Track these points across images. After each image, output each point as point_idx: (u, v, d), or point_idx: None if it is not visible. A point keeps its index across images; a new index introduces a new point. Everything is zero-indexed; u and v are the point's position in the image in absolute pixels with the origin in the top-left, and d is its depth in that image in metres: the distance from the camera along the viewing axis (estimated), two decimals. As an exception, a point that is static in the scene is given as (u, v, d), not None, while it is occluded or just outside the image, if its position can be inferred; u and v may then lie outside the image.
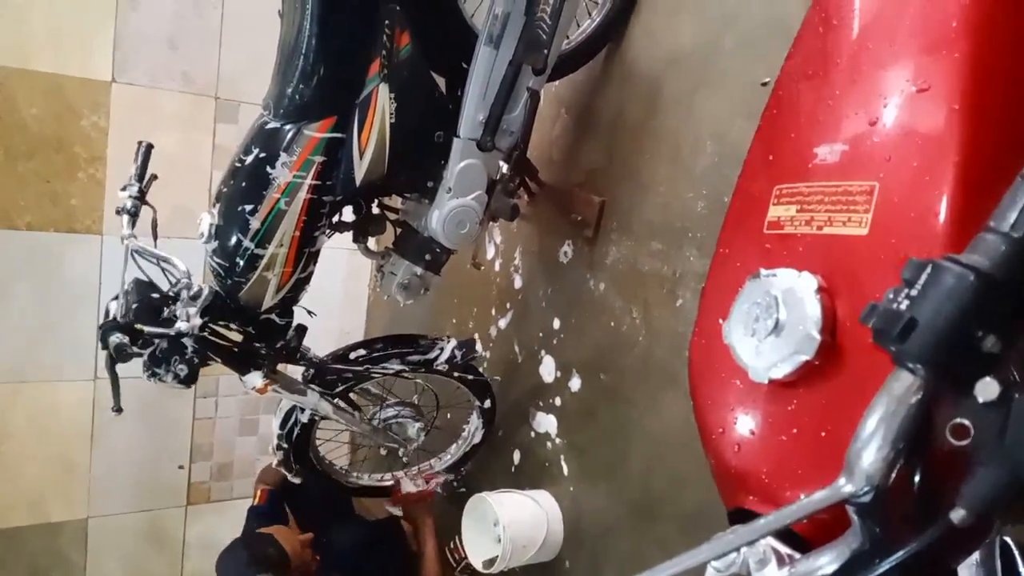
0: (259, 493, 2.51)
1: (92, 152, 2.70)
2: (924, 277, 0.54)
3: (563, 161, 2.32)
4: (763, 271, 0.75)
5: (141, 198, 1.89)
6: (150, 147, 1.93)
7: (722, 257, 0.91)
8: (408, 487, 2.48)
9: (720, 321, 0.80)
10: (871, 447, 0.53)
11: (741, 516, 0.74)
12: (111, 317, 1.74)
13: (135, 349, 1.58)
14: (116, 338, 1.56)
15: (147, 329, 1.64)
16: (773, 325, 0.71)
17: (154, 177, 1.92)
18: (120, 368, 1.71)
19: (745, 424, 0.77)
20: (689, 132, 1.88)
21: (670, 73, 1.95)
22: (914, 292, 0.54)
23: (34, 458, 2.83)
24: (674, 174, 1.91)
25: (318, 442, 2.31)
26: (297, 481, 2.32)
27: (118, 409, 1.65)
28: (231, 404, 3.21)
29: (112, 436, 2.88)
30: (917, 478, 0.56)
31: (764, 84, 1.70)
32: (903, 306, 0.54)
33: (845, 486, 0.54)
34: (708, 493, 1.74)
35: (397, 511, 2.52)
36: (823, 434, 0.70)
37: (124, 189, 1.88)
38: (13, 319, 2.69)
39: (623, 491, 2.03)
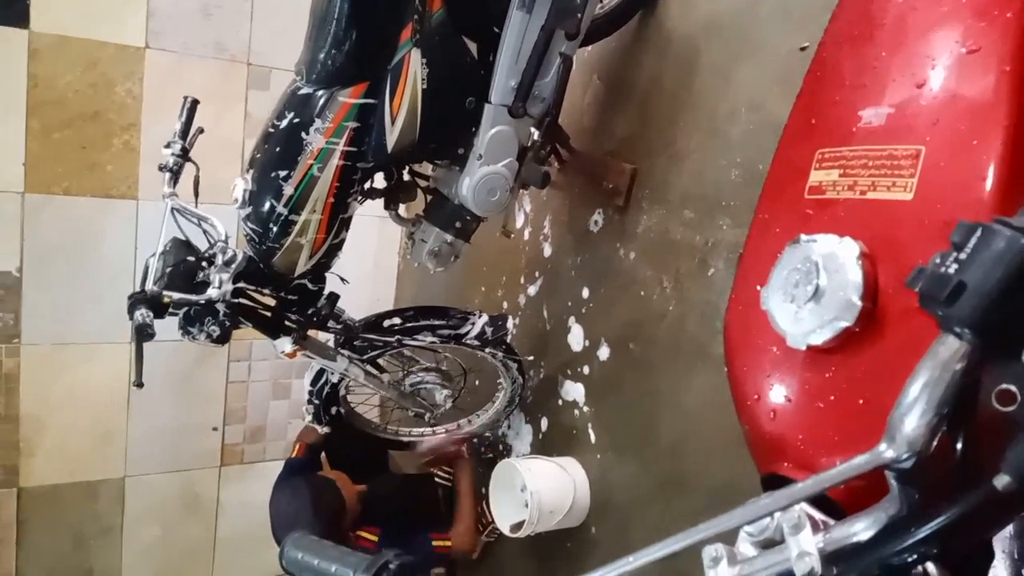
0: (297, 447, 2.56)
1: (126, 119, 2.73)
2: (974, 240, 0.53)
3: (594, 128, 2.30)
4: (803, 236, 0.74)
5: (184, 155, 1.89)
6: (195, 103, 1.92)
7: (761, 223, 0.89)
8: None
9: (758, 287, 0.78)
10: (914, 412, 0.53)
11: (775, 482, 0.73)
12: (147, 276, 1.77)
13: (154, 331, 1.60)
14: (140, 315, 1.58)
15: (176, 297, 1.65)
16: (813, 291, 0.70)
17: (200, 131, 1.92)
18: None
19: (781, 390, 0.76)
20: (725, 99, 1.85)
21: (706, 39, 1.91)
22: (963, 256, 0.53)
23: (73, 419, 2.91)
24: (708, 142, 1.89)
25: (349, 398, 2.35)
26: (326, 431, 2.35)
27: (139, 384, 1.68)
28: (264, 368, 3.26)
29: (148, 399, 2.94)
30: (960, 444, 0.55)
31: (803, 49, 1.66)
32: (951, 270, 0.53)
33: (886, 451, 0.53)
34: (738, 468, 1.75)
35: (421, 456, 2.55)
36: (861, 402, 0.69)
37: (167, 146, 1.88)
38: (52, 284, 2.75)
39: (652, 462, 2.04)
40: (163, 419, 3.05)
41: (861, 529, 0.56)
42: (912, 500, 0.54)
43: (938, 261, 0.54)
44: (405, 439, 2.53)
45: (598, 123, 2.29)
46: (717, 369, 1.85)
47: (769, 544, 0.61)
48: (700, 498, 1.89)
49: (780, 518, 0.61)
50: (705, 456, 1.88)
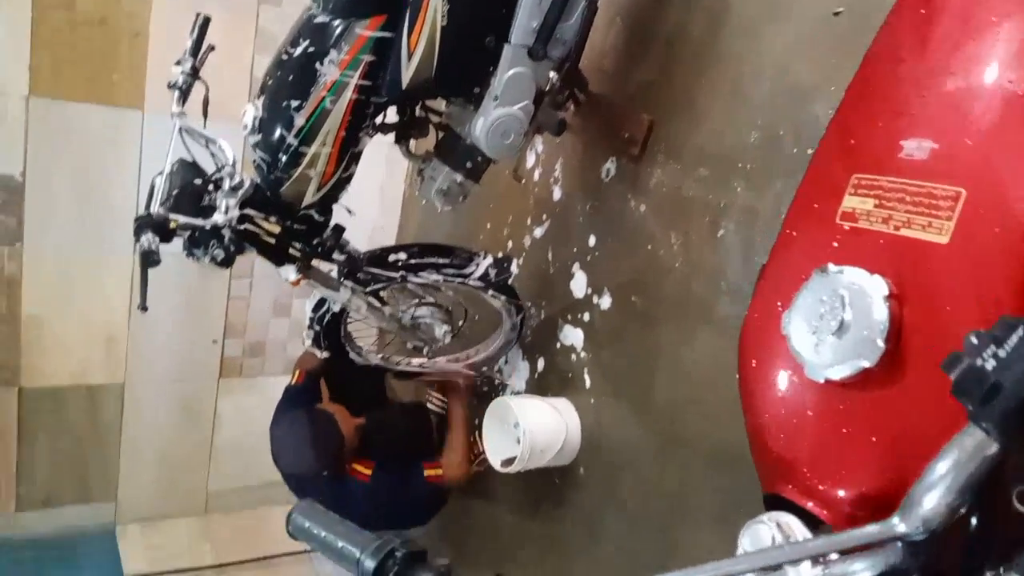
0: (297, 374, 2.60)
1: (135, 26, 2.65)
2: (1015, 340, 0.52)
3: (614, 72, 2.24)
4: (832, 266, 0.73)
5: (194, 74, 1.84)
6: (207, 20, 1.85)
7: (788, 239, 0.87)
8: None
9: (778, 305, 0.78)
10: (935, 492, 0.53)
11: (777, 503, 0.74)
12: (153, 197, 1.75)
13: (159, 257, 1.59)
14: (146, 240, 1.57)
15: (181, 220, 1.65)
16: (837, 325, 0.69)
17: (211, 48, 1.86)
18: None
19: (793, 414, 0.77)
20: (751, 58, 1.80)
21: (739, -8, 1.84)
22: (1002, 353, 0.52)
23: (75, 324, 2.93)
24: (730, 101, 1.84)
25: (349, 326, 2.37)
26: (325, 355, 2.38)
27: (144, 307, 1.69)
28: (266, 286, 3.26)
29: (150, 309, 2.95)
30: (974, 528, 0.56)
31: (836, 14, 1.61)
32: (988, 365, 0.52)
33: (899, 526, 0.54)
34: (733, 431, 1.75)
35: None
36: (873, 439, 0.69)
37: (178, 63, 1.83)
38: (56, 190, 2.72)
39: (646, 413, 2.07)
40: (164, 329, 3.07)
41: (860, 570, 0.57)
42: (916, 560, 0.55)
43: (975, 343, 0.53)
44: (404, 368, 2.56)
45: (618, 67, 2.23)
46: (719, 331, 1.86)
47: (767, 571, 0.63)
48: (691, 454, 1.93)
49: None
50: (700, 415, 1.91)
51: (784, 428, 0.77)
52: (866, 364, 0.68)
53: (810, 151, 1.61)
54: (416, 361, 2.55)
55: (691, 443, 1.94)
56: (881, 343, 0.68)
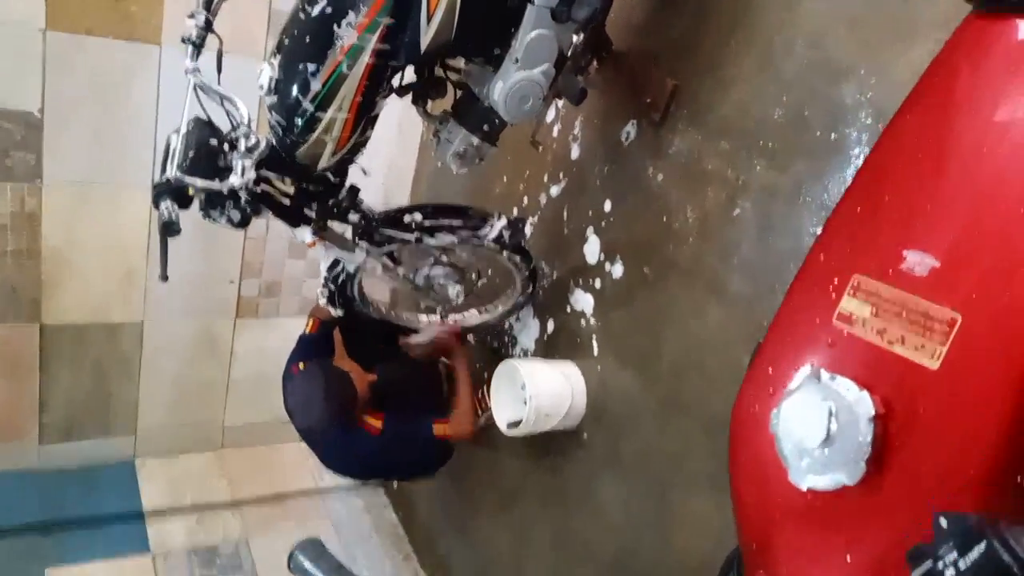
0: (311, 323, 2.63)
1: (152, -41, 2.60)
2: (976, 556, 0.53)
3: (641, 29, 2.16)
4: (824, 374, 0.72)
5: (208, 27, 1.80)
6: None
7: (786, 321, 0.86)
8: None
9: (770, 391, 0.77)
10: None
11: None
12: (169, 156, 1.74)
13: (179, 227, 1.59)
14: (166, 208, 1.57)
15: (199, 184, 1.64)
16: (823, 438, 0.69)
17: None
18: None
19: (774, 510, 0.77)
20: (784, 29, 1.73)
21: (775, -41, 1.77)
22: (962, 565, 0.54)
23: (95, 261, 2.97)
24: (758, 73, 1.79)
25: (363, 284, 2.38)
26: (339, 313, 2.42)
27: (164, 277, 1.70)
28: (282, 227, 3.26)
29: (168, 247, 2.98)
30: None
31: (875, -8, 1.54)
32: (948, 574, 0.53)
33: None
34: (734, 400, 1.79)
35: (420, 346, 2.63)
36: (847, 558, 0.70)
37: (191, 17, 1.79)
38: (74, 127, 2.71)
39: (651, 382, 2.09)
40: (182, 268, 3.06)
41: None
42: None
43: (943, 527, 0.53)
44: (415, 324, 2.58)
45: (645, 23, 2.16)
46: (728, 306, 1.86)
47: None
48: (694, 424, 1.96)
49: None
50: (705, 387, 1.92)
51: (764, 521, 0.79)
52: (847, 482, 0.69)
53: (834, 136, 1.60)
54: (425, 318, 2.57)
55: (692, 412, 1.96)
56: (863, 464, 0.68)
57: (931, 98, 0.78)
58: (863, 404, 0.70)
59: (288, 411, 2.34)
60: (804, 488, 0.73)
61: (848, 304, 0.78)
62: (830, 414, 0.70)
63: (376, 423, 2.33)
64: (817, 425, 0.71)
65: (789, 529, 0.77)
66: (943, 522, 0.55)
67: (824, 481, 0.71)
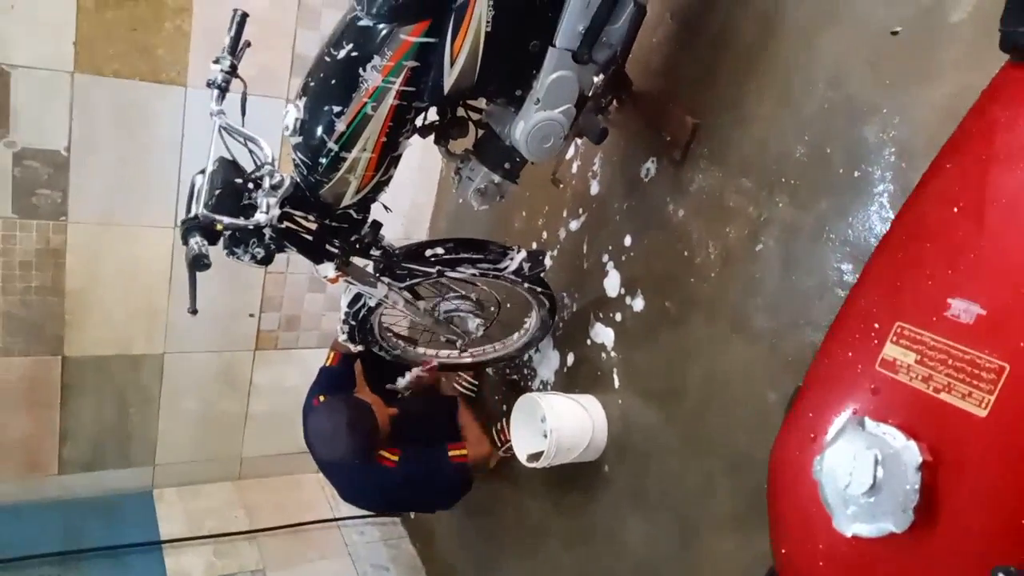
0: (332, 356, 2.65)
1: (179, 3, 2.65)
2: None
3: (660, 70, 2.19)
4: (869, 422, 0.72)
5: (233, 71, 1.84)
6: (245, 16, 1.84)
7: (826, 367, 0.86)
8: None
9: (812, 436, 0.77)
10: None
11: None
12: (195, 196, 1.77)
13: (209, 261, 1.62)
14: (196, 244, 1.60)
15: (227, 221, 1.67)
16: (869, 486, 0.69)
17: (247, 44, 1.86)
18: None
19: (816, 558, 0.77)
20: (803, 69, 1.74)
21: (795, 0, 1.78)
22: None
23: (117, 296, 3.00)
24: (778, 112, 1.80)
25: (383, 319, 2.40)
26: (359, 349, 2.44)
27: (194, 311, 1.72)
28: (302, 261, 3.26)
29: (187, 283, 3.02)
30: None
31: (894, 33, 1.55)
32: None
33: None
34: (759, 441, 1.78)
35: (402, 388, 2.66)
36: None
37: (216, 62, 1.83)
38: (99, 166, 2.76)
39: (673, 418, 2.08)
40: (203, 302, 3.09)
41: None
42: None
43: None
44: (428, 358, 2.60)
45: (664, 65, 2.18)
46: (751, 343, 1.85)
47: None
48: (717, 462, 1.94)
49: None
50: (728, 423, 1.91)
51: (807, 568, 0.78)
52: (893, 530, 0.68)
53: (857, 174, 1.61)
54: (443, 353, 2.58)
55: (715, 448, 1.95)
56: (911, 513, 0.67)
57: (970, 146, 0.78)
58: (910, 452, 0.69)
59: (308, 443, 2.35)
60: (849, 535, 0.72)
61: (892, 351, 0.78)
62: (876, 462, 0.70)
63: (392, 456, 2.34)
64: (863, 472, 0.70)
65: None
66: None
67: (871, 529, 0.70)
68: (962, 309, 0.72)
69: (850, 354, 0.83)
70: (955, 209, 0.77)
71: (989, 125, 0.76)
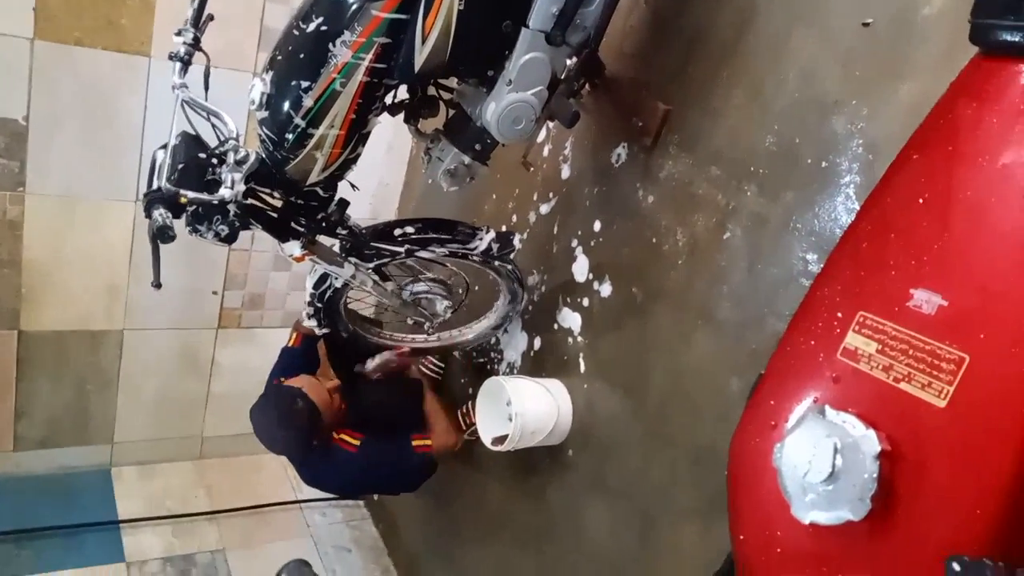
0: (295, 336, 2.62)
1: (143, -31, 2.58)
2: None
3: (633, 56, 2.18)
4: (828, 410, 0.72)
5: (196, 44, 1.80)
6: None
7: (787, 354, 0.86)
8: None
9: (772, 424, 0.78)
10: None
11: None
12: (156, 171, 1.73)
13: (174, 233, 1.58)
14: (159, 215, 1.56)
15: (191, 196, 1.63)
16: (828, 474, 0.69)
17: (210, 18, 1.82)
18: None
19: (774, 544, 0.77)
20: (774, 61, 1.75)
21: (768, -9, 1.78)
22: None
23: (76, 270, 2.92)
24: (749, 102, 1.80)
25: (348, 302, 2.38)
26: (324, 331, 2.41)
27: (157, 284, 1.69)
28: (267, 239, 3.23)
29: (150, 257, 2.96)
30: None
31: (866, 25, 1.56)
32: None
33: None
34: (721, 432, 1.78)
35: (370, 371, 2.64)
36: None
37: (179, 34, 1.79)
38: (60, 136, 2.68)
39: (638, 405, 2.09)
40: (165, 279, 3.05)
41: None
42: None
43: (956, 571, 0.53)
44: (395, 343, 2.58)
45: (638, 50, 2.17)
46: (717, 333, 1.86)
47: None
48: (680, 451, 1.96)
49: None
50: (691, 413, 1.93)
51: (764, 555, 0.78)
52: (851, 518, 0.69)
53: (825, 165, 1.62)
54: (409, 336, 2.57)
55: (678, 438, 1.96)
56: (868, 501, 0.68)
57: (937, 138, 0.79)
58: (869, 441, 0.70)
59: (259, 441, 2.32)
60: (807, 522, 0.73)
61: (853, 340, 0.78)
62: (835, 450, 0.70)
63: (353, 441, 2.32)
64: (822, 461, 0.71)
65: (791, 564, 0.77)
66: (956, 567, 0.54)
67: (828, 517, 0.71)
68: (924, 300, 0.73)
69: (812, 343, 0.84)
70: (920, 201, 0.77)
71: (956, 117, 0.76)
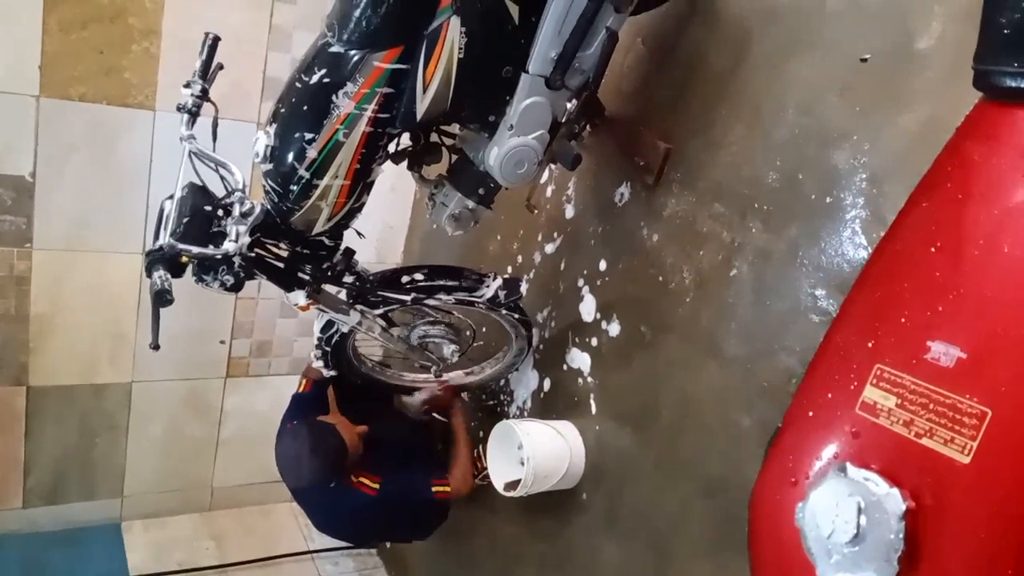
0: (304, 382, 2.60)
1: (147, 24, 2.62)
2: None
3: (632, 94, 2.20)
4: (851, 468, 0.71)
5: (204, 96, 1.82)
6: (217, 40, 1.82)
7: (806, 403, 0.85)
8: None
9: (792, 480, 0.76)
10: None
11: None
12: (163, 222, 1.73)
13: (172, 297, 1.58)
14: (159, 278, 1.56)
15: (194, 251, 1.64)
16: (852, 535, 0.68)
17: (220, 67, 1.84)
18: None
19: None
20: (773, 96, 1.76)
21: (764, 27, 1.80)
22: None
23: (87, 324, 2.93)
24: (749, 137, 1.81)
25: (356, 344, 2.37)
26: (333, 374, 2.40)
27: (156, 346, 1.69)
28: (274, 287, 3.25)
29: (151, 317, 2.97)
30: None
31: (864, 60, 1.57)
32: None
33: None
34: (733, 466, 1.77)
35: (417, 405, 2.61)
36: None
37: (187, 86, 1.81)
38: (65, 191, 2.70)
39: (650, 443, 2.06)
40: (172, 329, 3.00)
41: None
42: None
43: None
44: (409, 384, 2.56)
45: (636, 89, 2.19)
46: (726, 369, 1.84)
47: None
48: (693, 487, 1.93)
49: None
50: (703, 448, 1.90)
51: None
52: None
53: (829, 200, 1.61)
54: (420, 376, 2.55)
55: (689, 474, 1.94)
56: (895, 563, 0.66)
57: (946, 185, 0.78)
58: (893, 499, 0.68)
59: (280, 471, 2.29)
60: None
61: (872, 393, 0.76)
62: (859, 510, 0.68)
63: (372, 484, 2.29)
64: (846, 521, 0.69)
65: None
66: None
67: None
68: (942, 352, 0.71)
69: (829, 395, 0.82)
70: (932, 249, 0.76)
71: (964, 163, 0.76)
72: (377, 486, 2.30)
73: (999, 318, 0.70)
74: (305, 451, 2.16)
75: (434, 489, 2.41)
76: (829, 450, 0.74)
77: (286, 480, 2.35)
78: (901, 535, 0.66)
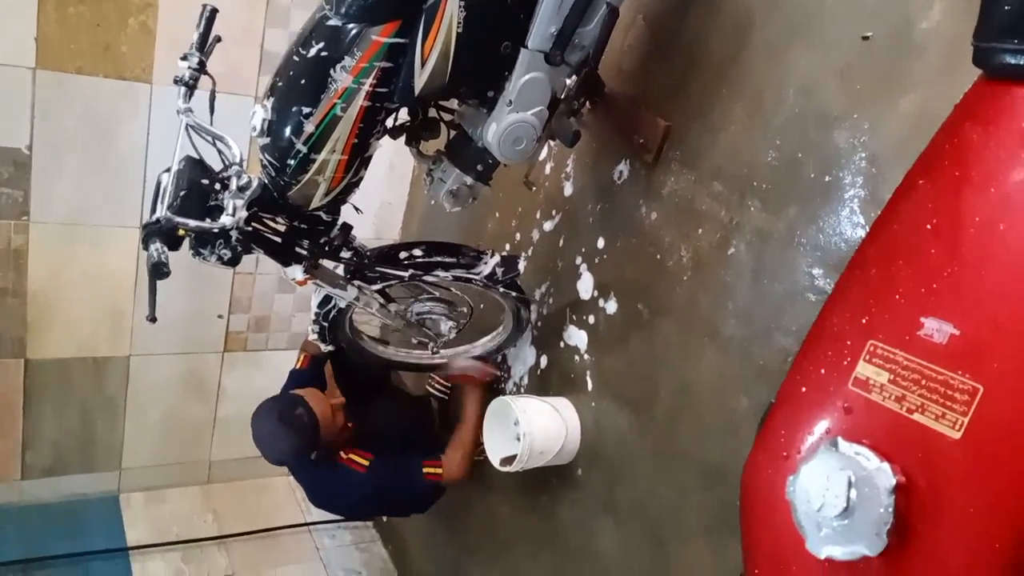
0: (302, 358, 2.61)
1: (144, -2, 2.60)
2: None
3: (632, 73, 2.18)
4: (842, 443, 0.71)
5: (201, 68, 1.80)
6: (214, 12, 1.79)
7: (797, 388, 0.85)
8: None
9: (784, 455, 0.76)
10: None
11: None
12: (160, 195, 1.73)
13: (169, 269, 1.58)
14: (155, 251, 1.56)
15: (191, 225, 1.63)
16: (842, 508, 0.68)
17: (218, 39, 1.81)
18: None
19: None
20: (773, 76, 1.74)
21: (764, 7, 1.78)
22: None
23: (81, 298, 2.93)
24: (749, 118, 1.80)
25: (354, 320, 2.37)
26: (330, 349, 2.41)
27: (152, 319, 1.69)
28: (271, 261, 3.24)
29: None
30: None
31: (865, 39, 1.56)
32: None
33: None
34: (730, 450, 1.78)
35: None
36: None
37: (184, 58, 1.79)
38: (62, 165, 2.69)
39: (646, 424, 2.08)
40: (170, 304, 3.00)
41: None
42: None
43: None
44: (410, 360, 2.57)
45: (636, 68, 2.18)
46: (723, 350, 1.85)
47: None
48: (686, 466, 1.94)
49: None
50: (700, 431, 1.91)
51: None
52: (867, 553, 0.68)
53: (828, 179, 1.61)
54: (417, 352, 2.55)
55: (687, 455, 1.95)
56: (884, 536, 0.67)
57: (943, 163, 0.78)
58: (883, 474, 0.69)
59: (257, 447, 2.30)
60: (822, 557, 0.71)
61: (864, 369, 0.77)
62: (850, 484, 0.69)
63: (363, 461, 2.30)
64: (836, 495, 0.69)
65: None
66: None
67: (844, 552, 0.70)
68: (935, 329, 0.72)
69: (822, 371, 0.82)
70: (928, 227, 0.76)
71: (962, 141, 0.76)
72: (367, 463, 2.31)
73: (993, 296, 0.70)
74: (273, 423, 2.17)
75: (425, 471, 2.42)
76: (821, 425, 0.75)
77: (264, 455, 2.34)
78: (891, 509, 0.67)
